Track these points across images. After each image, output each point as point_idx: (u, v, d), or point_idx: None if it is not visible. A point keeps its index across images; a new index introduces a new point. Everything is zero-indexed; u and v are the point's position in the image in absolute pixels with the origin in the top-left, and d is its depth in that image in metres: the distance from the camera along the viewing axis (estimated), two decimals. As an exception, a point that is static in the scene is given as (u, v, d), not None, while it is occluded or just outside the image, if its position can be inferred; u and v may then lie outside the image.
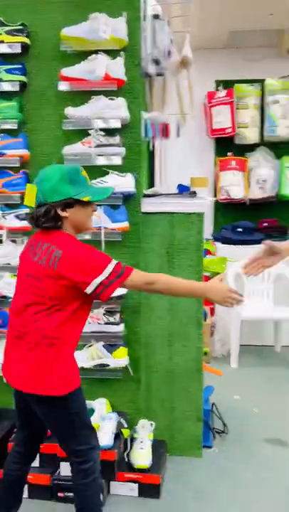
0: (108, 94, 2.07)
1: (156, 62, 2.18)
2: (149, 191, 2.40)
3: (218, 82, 4.27)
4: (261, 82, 4.16)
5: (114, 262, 1.53)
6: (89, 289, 1.49)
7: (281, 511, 1.97)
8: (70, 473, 1.67)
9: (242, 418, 2.76)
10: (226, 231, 4.10)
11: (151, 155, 2.81)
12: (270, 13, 3.66)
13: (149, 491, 2.03)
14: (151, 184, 2.84)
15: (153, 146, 2.59)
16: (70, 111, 2.06)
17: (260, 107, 4.18)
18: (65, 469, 1.98)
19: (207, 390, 2.53)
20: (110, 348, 2.18)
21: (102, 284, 1.49)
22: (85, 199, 1.55)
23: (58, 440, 1.67)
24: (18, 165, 2.11)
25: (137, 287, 1.62)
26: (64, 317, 1.52)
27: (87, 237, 2.08)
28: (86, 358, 2.17)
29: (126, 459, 2.11)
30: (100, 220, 2.10)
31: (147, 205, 2.21)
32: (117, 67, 2.01)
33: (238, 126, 4.15)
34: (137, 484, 2.04)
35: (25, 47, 2.07)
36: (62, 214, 1.54)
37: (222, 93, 4.14)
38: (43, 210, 1.52)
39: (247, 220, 4.13)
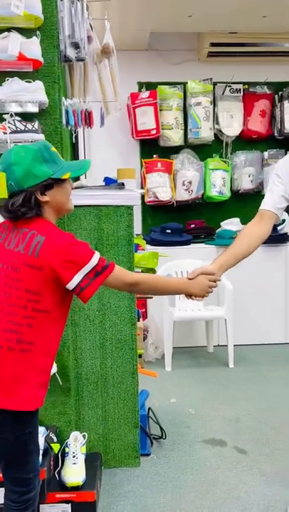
0: (24, 76, 1.89)
1: (76, 45, 2.05)
2: (74, 184, 2.24)
3: (141, 84, 4.25)
4: (183, 84, 4.20)
5: (97, 254, 1.35)
6: (72, 283, 1.29)
7: (222, 510, 1.88)
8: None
9: (179, 421, 2.66)
10: (154, 233, 4.05)
11: (74, 146, 2.66)
12: (189, 15, 3.70)
13: (84, 509, 1.84)
14: (75, 178, 2.68)
15: (76, 137, 2.45)
16: (-19, 93, 1.86)
17: (183, 109, 4.22)
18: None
19: (142, 395, 2.40)
20: (35, 355, 1.97)
21: (87, 277, 1.29)
22: (66, 176, 1.36)
23: (4, 465, 1.39)
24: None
25: (119, 287, 1.43)
26: (40, 318, 1.30)
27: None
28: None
29: (57, 477, 1.91)
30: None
31: (73, 198, 2.05)
32: (32, 47, 1.85)
33: (163, 128, 4.14)
34: (69, 504, 1.84)
35: None
36: (43, 199, 1.34)
37: (145, 94, 4.11)
38: (20, 199, 1.30)
39: (175, 222, 4.11)
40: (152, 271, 2.21)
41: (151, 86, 4.20)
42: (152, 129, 4.13)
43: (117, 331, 2.16)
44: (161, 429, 2.45)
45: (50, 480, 1.86)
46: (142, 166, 4.28)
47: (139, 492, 2.02)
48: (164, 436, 2.44)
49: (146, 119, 4.12)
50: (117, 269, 1.38)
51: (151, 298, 2.78)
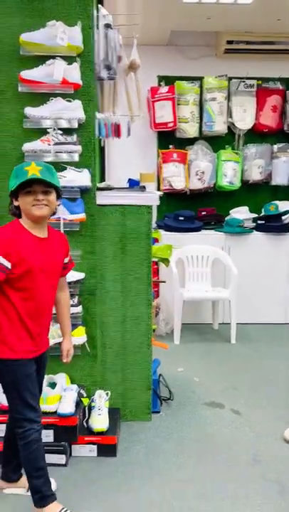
0: (65, 96, 2.25)
1: (108, 67, 2.39)
2: (102, 185, 2.63)
3: (160, 78, 4.53)
4: (200, 79, 4.48)
5: None
6: None
7: (220, 461, 2.33)
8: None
9: (185, 386, 3.11)
10: (168, 219, 4.42)
11: (102, 151, 3.03)
12: (207, 17, 3.96)
13: (107, 450, 2.32)
14: (101, 178, 3.07)
15: (104, 143, 2.81)
16: (29, 111, 2.23)
17: (199, 103, 4.51)
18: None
19: (155, 363, 2.84)
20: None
21: None
22: (12, 188, 1.73)
23: None
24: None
25: None
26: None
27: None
28: (48, 337, 2.39)
29: (85, 425, 2.37)
30: (58, 211, 2.31)
31: (102, 198, 2.45)
32: (73, 72, 2.21)
33: (179, 121, 4.45)
34: (96, 446, 2.31)
35: (-15, 48, 2.20)
36: (15, 203, 1.76)
37: (164, 89, 4.40)
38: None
39: (188, 209, 4.47)
40: (166, 261, 2.61)
41: (169, 80, 4.48)
42: (170, 122, 4.44)
43: (135, 309, 2.58)
44: (169, 391, 2.91)
45: (81, 427, 2.32)
46: (158, 156, 4.61)
47: (150, 440, 2.48)
48: (171, 398, 2.89)
49: (164, 113, 4.43)
50: None
51: (164, 282, 3.18)
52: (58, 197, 1.81)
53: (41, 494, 1.83)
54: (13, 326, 1.76)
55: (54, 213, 1.84)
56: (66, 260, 1.94)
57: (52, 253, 1.82)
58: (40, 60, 2.24)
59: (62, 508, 1.85)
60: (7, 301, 1.75)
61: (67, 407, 2.23)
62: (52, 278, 1.84)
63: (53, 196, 1.76)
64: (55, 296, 1.92)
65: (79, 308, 2.42)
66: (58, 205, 1.85)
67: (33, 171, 1.68)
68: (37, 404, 1.85)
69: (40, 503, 1.84)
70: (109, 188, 2.52)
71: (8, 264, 1.68)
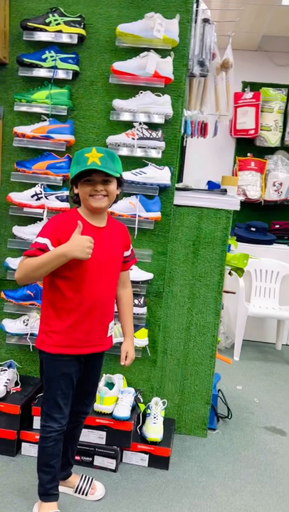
0: (154, 90, 2.19)
1: (202, 63, 2.30)
2: (180, 185, 2.53)
3: (245, 84, 4.39)
4: (287, 87, 4.28)
5: (40, 238, 1.60)
6: None
7: (279, 494, 2.14)
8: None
9: (244, 406, 2.93)
10: (239, 229, 4.25)
11: (182, 151, 2.94)
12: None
13: (159, 462, 2.20)
14: (179, 178, 2.97)
15: (186, 143, 2.72)
16: (117, 103, 2.19)
17: (284, 112, 4.31)
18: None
19: (215, 377, 2.70)
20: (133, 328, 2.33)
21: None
22: (71, 176, 1.65)
23: None
24: (63, 149, 2.23)
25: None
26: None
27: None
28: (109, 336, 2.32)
29: (138, 432, 2.28)
30: (135, 208, 2.24)
31: (179, 198, 2.35)
32: (166, 66, 2.13)
33: (261, 129, 4.28)
34: (148, 455, 2.20)
35: (81, 38, 2.19)
36: (75, 191, 1.68)
37: (249, 95, 4.25)
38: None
39: (260, 220, 4.28)
40: (240, 271, 2.46)
41: (255, 86, 4.33)
42: (251, 129, 4.28)
43: (202, 318, 2.46)
44: (228, 409, 2.74)
45: (134, 433, 2.23)
46: (235, 163, 4.46)
47: (204, 458, 2.34)
48: (229, 416, 2.73)
49: (246, 119, 4.28)
50: (26, 258, 1.59)
51: (234, 293, 3.02)
52: (120, 185, 1.70)
53: (44, 489, 1.79)
54: (58, 317, 1.67)
55: (115, 201, 1.73)
56: (127, 253, 1.83)
57: (109, 244, 1.71)
58: (133, 52, 2.19)
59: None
60: (55, 290, 1.66)
61: (124, 410, 2.14)
62: (108, 271, 1.72)
63: (113, 186, 1.65)
64: (114, 292, 1.81)
65: (144, 310, 2.34)
66: (119, 194, 1.73)
67: (94, 158, 1.58)
68: (66, 406, 1.76)
69: (41, 496, 1.81)
70: (187, 189, 2.42)
71: (52, 248, 1.58)
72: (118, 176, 1.66)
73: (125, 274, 1.89)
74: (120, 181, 1.70)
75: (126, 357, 1.88)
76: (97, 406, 2.17)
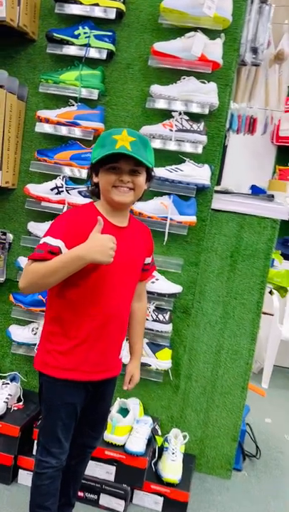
0: (199, 76, 1.91)
1: (255, 50, 2.01)
2: (219, 188, 2.23)
3: (292, 88, 4.07)
4: None
5: (48, 238, 1.29)
6: None
7: None
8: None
9: (273, 444, 2.58)
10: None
11: (224, 148, 2.64)
12: None
13: (175, 507, 1.88)
14: (217, 180, 2.67)
15: (228, 141, 2.43)
16: (156, 88, 1.91)
17: None
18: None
19: (244, 409, 2.36)
20: (155, 347, 2.03)
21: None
22: (93, 160, 1.34)
23: None
24: (90, 138, 1.97)
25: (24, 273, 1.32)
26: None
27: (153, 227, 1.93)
28: (127, 352, 2.03)
29: (153, 468, 1.96)
30: (167, 210, 1.96)
31: (218, 202, 2.05)
32: (215, 49, 1.85)
33: (306, 138, 3.95)
34: (162, 498, 1.89)
35: (120, 14, 1.93)
36: (95, 179, 1.38)
37: (296, 100, 3.93)
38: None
39: (299, 236, 3.93)
40: (284, 290, 2.14)
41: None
42: (295, 137, 3.96)
43: (235, 341, 2.14)
44: (257, 447, 2.40)
45: (148, 469, 1.92)
46: (274, 172, 4.13)
47: (229, 505, 2.00)
48: (258, 456, 2.38)
49: (290, 126, 3.96)
50: (34, 263, 1.28)
51: (272, 315, 2.69)
52: (149, 179, 1.40)
53: None
54: (65, 334, 1.38)
55: (140, 199, 1.42)
56: (148, 260, 1.53)
57: (131, 247, 1.41)
58: (177, 33, 1.92)
59: None
60: (63, 300, 1.37)
61: (138, 443, 1.84)
62: (128, 279, 1.44)
63: (142, 178, 1.35)
64: (130, 305, 1.50)
65: (169, 327, 2.03)
66: (147, 190, 1.43)
67: (123, 141, 1.28)
68: (67, 440, 1.47)
69: None
70: (228, 192, 2.12)
71: (65, 251, 1.28)
72: (151, 167, 1.37)
73: (143, 284, 1.59)
74: (150, 175, 1.40)
75: (130, 380, 1.58)
76: (108, 436, 1.87)
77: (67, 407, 1.43)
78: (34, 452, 1.89)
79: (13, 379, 2.08)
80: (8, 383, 2.03)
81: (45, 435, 1.46)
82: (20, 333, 2.10)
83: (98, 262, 1.28)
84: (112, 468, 1.84)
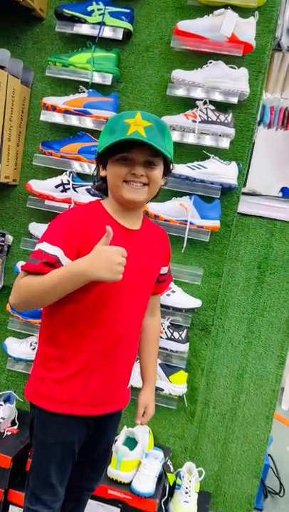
0: (228, 61, 1.66)
1: (292, 33, 1.77)
2: (246, 189, 1.98)
3: None
4: None
5: (44, 244, 1.07)
6: None
7: None
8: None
9: (297, 478, 2.30)
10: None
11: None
12: None
13: None
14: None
15: (255, 137, 2.17)
16: (179, 74, 1.68)
17: None
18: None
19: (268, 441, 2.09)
20: (168, 369, 1.78)
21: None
22: (100, 149, 1.12)
23: None
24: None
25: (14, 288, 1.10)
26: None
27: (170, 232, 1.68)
28: (138, 375, 1.78)
29: (163, 508, 1.71)
30: (187, 212, 1.71)
31: (246, 205, 1.81)
32: (247, 29, 1.61)
33: None
34: None
35: (139, -12, 1.70)
36: (102, 173, 1.16)
37: None
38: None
39: None
40: None
41: None
42: None
43: (261, 365, 1.88)
44: (280, 483, 2.13)
45: (158, 510, 1.66)
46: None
47: None
48: (281, 494, 2.11)
49: None
50: (22, 276, 1.06)
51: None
52: (166, 173, 1.16)
53: None
54: (62, 358, 1.15)
55: (155, 197, 1.18)
56: (164, 270, 1.29)
57: (144, 254, 1.19)
58: (204, 11, 1.68)
59: None
60: (60, 318, 1.14)
61: (147, 482, 1.59)
62: (140, 292, 1.20)
63: (158, 171, 1.12)
64: (141, 324, 1.25)
65: (185, 347, 1.78)
66: (164, 185, 1.19)
67: (137, 126, 1.05)
68: (62, 485, 1.22)
69: None
70: (256, 194, 1.87)
71: (66, 261, 1.05)
72: (169, 157, 1.12)
73: (157, 297, 1.34)
74: (168, 168, 1.15)
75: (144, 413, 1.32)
76: (112, 471, 1.62)
77: (63, 446, 1.19)
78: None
79: (7, 399, 1.84)
80: (1, 404, 1.79)
81: (35, 479, 1.22)
82: (17, 348, 1.87)
83: (104, 280, 1.03)
84: (116, 510, 1.59)
